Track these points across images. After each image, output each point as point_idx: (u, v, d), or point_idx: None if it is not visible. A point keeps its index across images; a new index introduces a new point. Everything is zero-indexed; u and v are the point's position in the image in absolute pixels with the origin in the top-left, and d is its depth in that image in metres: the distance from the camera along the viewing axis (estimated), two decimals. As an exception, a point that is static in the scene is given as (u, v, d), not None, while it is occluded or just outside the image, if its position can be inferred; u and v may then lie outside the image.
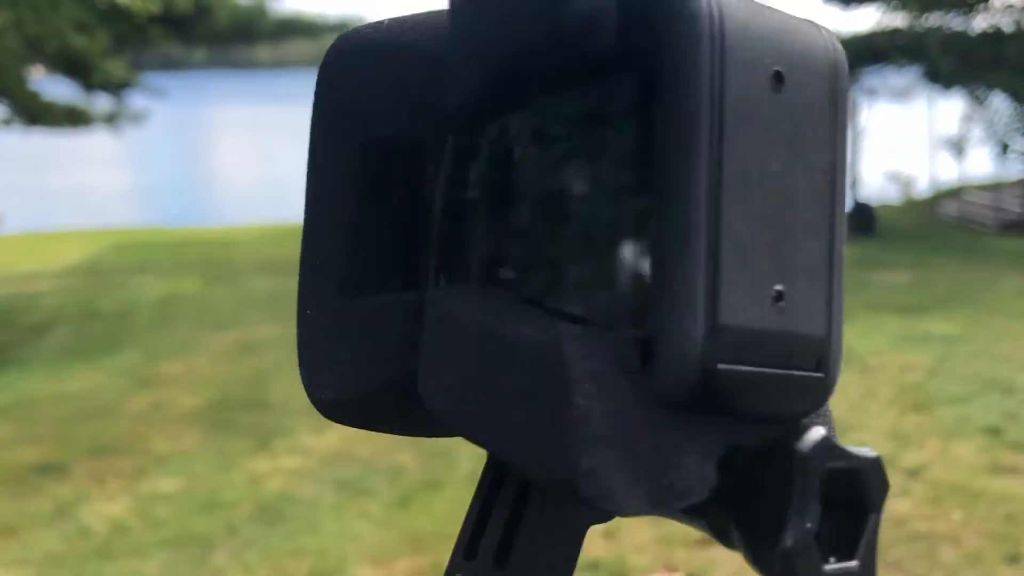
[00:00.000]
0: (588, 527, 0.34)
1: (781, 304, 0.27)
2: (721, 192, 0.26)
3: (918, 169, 13.23)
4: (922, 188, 13.25)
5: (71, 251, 10.45)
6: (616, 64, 0.28)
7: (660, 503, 0.27)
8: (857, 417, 3.96)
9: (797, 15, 0.28)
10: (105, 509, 3.34)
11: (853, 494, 0.27)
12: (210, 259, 9.53)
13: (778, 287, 0.27)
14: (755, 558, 0.27)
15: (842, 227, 0.28)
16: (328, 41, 0.41)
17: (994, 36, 10.20)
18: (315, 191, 0.40)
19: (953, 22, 10.70)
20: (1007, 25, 10.26)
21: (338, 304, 0.39)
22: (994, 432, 3.72)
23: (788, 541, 0.26)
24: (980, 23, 10.56)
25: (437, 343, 0.34)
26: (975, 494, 3.17)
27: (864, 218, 9.81)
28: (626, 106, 0.29)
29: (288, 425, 4.15)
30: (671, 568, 2.73)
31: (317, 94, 0.40)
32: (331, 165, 0.40)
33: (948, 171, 12.73)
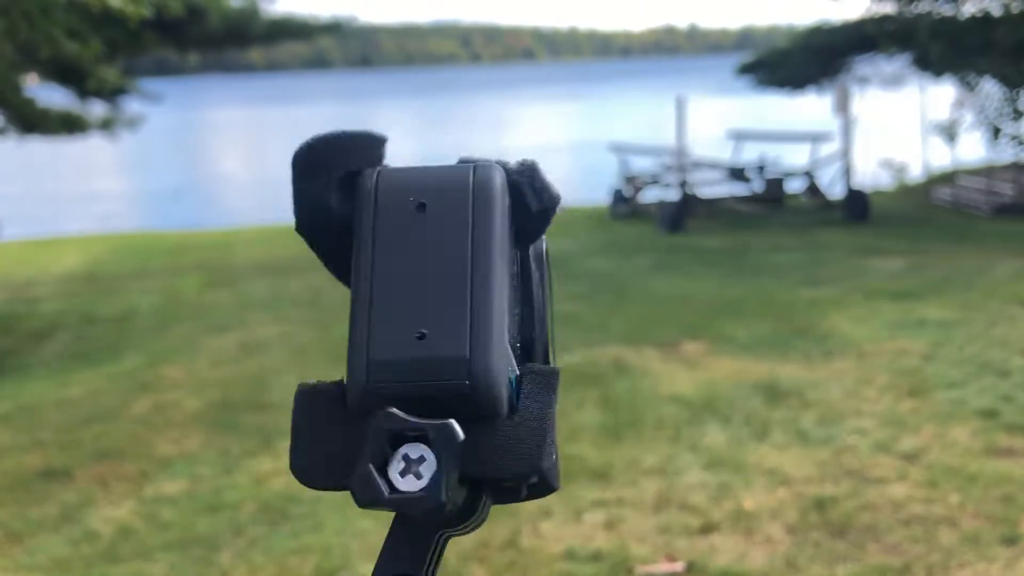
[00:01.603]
0: None
1: (423, 341, 0.41)
2: (374, 278, 0.42)
3: (911, 155, 13.26)
4: (915, 174, 13.27)
5: (69, 257, 10.46)
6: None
7: None
8: (854, 403, 3.98)
9: (458, 166, 0.44)
10: (110, 513, 3.36)
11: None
12: (208, 262, 9.55)
13: (421, 330, 0.41)
14: None
15: (487, 285, 0.41)
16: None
17: (983, 21, 10.21)
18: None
19: (942, 8, 10.72)
20: (996, 10, 10.27)
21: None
22: (990, 415, 3.74)
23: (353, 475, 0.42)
24: (969, 8, 10.58)
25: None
26: (972, 476, 3.20)
27: (858, 205, 9.83)
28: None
29: (290, 425, 4.16)
30: (672, 558, 2.76)
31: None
32: None
33: (940, 157, 12.75)
